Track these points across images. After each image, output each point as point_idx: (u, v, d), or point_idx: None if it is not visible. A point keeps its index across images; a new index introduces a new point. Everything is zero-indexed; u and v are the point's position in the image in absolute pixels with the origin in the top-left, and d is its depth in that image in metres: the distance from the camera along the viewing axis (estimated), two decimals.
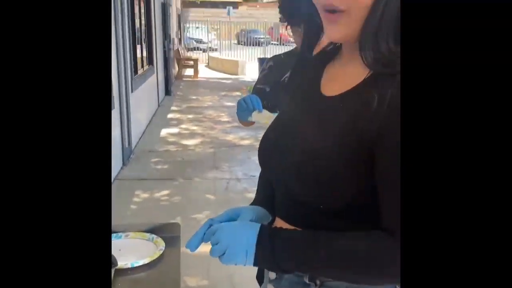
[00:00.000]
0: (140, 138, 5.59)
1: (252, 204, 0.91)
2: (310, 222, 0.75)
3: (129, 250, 1.25)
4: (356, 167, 0.69)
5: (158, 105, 7.78)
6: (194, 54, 15.57)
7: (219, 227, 0.77)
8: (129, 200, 3.70)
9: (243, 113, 1.64)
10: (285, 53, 1.83)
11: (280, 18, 1.64)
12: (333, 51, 0.85)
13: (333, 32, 0.74)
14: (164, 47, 8.75)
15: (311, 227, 0.74)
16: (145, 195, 3.82)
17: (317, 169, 0.72)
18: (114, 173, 4.16)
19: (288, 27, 1.63)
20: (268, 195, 0.89)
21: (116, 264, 1.07)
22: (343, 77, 0.78)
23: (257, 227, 0.75)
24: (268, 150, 0.84)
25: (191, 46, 17.63)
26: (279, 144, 0.81)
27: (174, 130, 6.24)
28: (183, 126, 6.50)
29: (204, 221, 0.81)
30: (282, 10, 1.62)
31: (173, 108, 7.86)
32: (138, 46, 5.93)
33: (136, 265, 1.17)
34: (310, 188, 0.72)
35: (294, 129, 0.80)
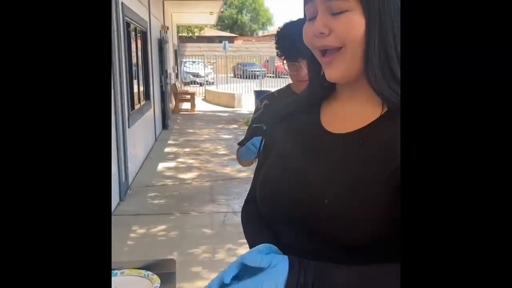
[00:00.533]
0: (137, 173, 5.59)
1: (257, 243, 0.82)
2: (330, 260, 0.71)
3: None
4: (385, 201, 0.68)
5: (155, 139, 7.82)
6: (191, 88, 15.77)
7: None
8: (126, 236, 3.67)
9: (251, 155, 1.69)
10: (279, 91, 1.87)
11: (277, 53, 1.69)
12: (327, 89, 0.84)
13: (331, 73, 0.75)
14: (161, 82, 8.87)
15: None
16: (142, 231, 3.79)
17: (343, 206, 0.70)
18: (111, 209, 4.14)
19: (285, 61, 1.67)
20: (272, 238, 0.82)
21: None
22: (349, 115, 0.78)
23: None
24: (277, 191, 0.80)
25: (188, 80, 17.86)
26: (290, 183, 0.78)
27: (171, 164, 6.25)
28: (180, 159, 6.52)
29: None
30: (278, 45, 1.67)
31: (170, 142, 7.90)
32: (135, 82, 6.02)
33: None
34: (338, 226, 0.70)
35: (305, 167, 0.78)
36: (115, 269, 1.33)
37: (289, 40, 1.58)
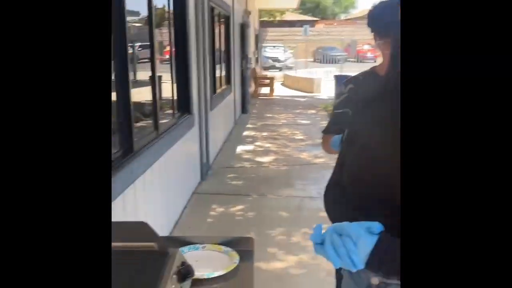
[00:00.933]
0: (217, 154, 5.78)
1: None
2: None
3: (205, 262, 1.31)
4: None
5: (235, 123, 8.00)
6: (270, 73, 15.85)
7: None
8: (206, 214, 3.84)
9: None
10: (363, 73, 1.79)
11: (373, 29, 1.62)
12: None
13: None
14: (241, 66, 9.02)
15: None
16: (221, 209, 3.94)
17: None
18: (193, 187, 4.36)
19: (378, 39, 1.60)
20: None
21: (193, 274, 1.14)
22: None
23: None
24: (364, 180, 0.82)
25: (267, 65, 17.96)
26: (376, 171, 0.79)
27: (249, 147, 6.38)
28: (257, 143, 6.62)
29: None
30: (371, 22, 1.60)
31: (248, 125, 8.04)
32: (217, 66, 6.18)
33: (211, 276, 1.22)
34: None
35: (390, 155, 0.77)
36: (197, 243, 1.41)
37: (384, 15, 1.51)
